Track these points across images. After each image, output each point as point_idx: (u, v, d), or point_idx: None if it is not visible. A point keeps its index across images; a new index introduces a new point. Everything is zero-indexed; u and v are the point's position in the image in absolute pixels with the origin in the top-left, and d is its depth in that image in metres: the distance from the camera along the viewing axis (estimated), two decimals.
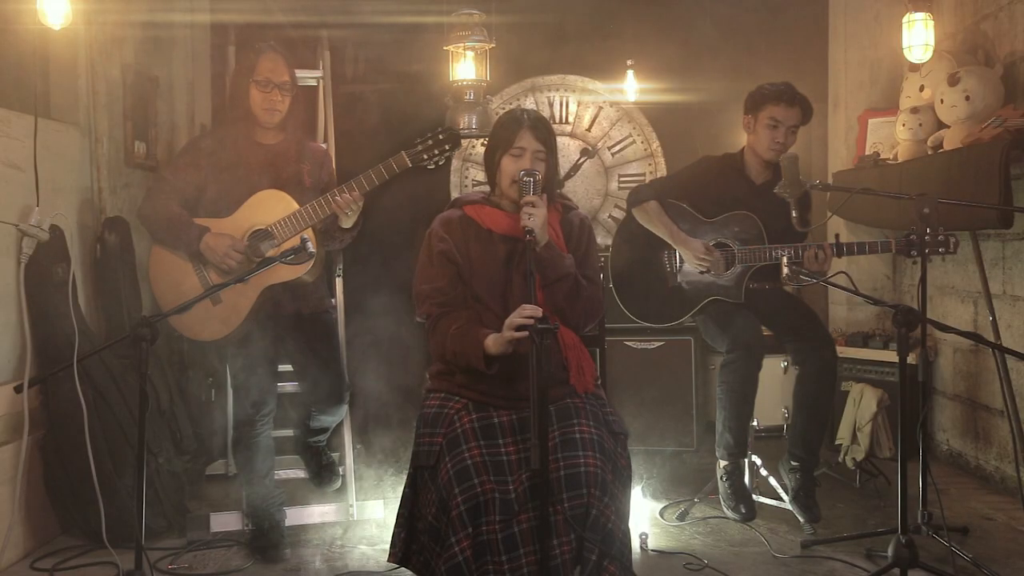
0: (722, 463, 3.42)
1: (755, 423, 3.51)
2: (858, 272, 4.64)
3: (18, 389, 2.56)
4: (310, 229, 3.09)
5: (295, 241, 2.80)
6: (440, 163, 3.09)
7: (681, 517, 3.49)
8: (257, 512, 3.25)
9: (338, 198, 3.03)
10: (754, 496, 3.48)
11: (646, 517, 3.46)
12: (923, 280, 3.03)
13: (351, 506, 3.50)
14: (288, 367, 3.42)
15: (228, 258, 3.06)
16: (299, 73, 3.42)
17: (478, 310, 2.48)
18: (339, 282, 3.67)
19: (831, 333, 4.65)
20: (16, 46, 3.31)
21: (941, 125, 3.99)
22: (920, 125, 4.12)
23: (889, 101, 4.64)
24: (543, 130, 2.53)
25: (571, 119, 4.86)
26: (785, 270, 2.98)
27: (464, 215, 2.57)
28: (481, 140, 4.33)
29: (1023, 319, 3.68)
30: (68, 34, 3.37)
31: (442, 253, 2.50)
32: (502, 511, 2.20)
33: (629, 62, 4.89)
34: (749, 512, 3.35)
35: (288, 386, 3.56)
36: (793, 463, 3.43)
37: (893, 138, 4.39)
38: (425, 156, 3.05)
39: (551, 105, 4.86)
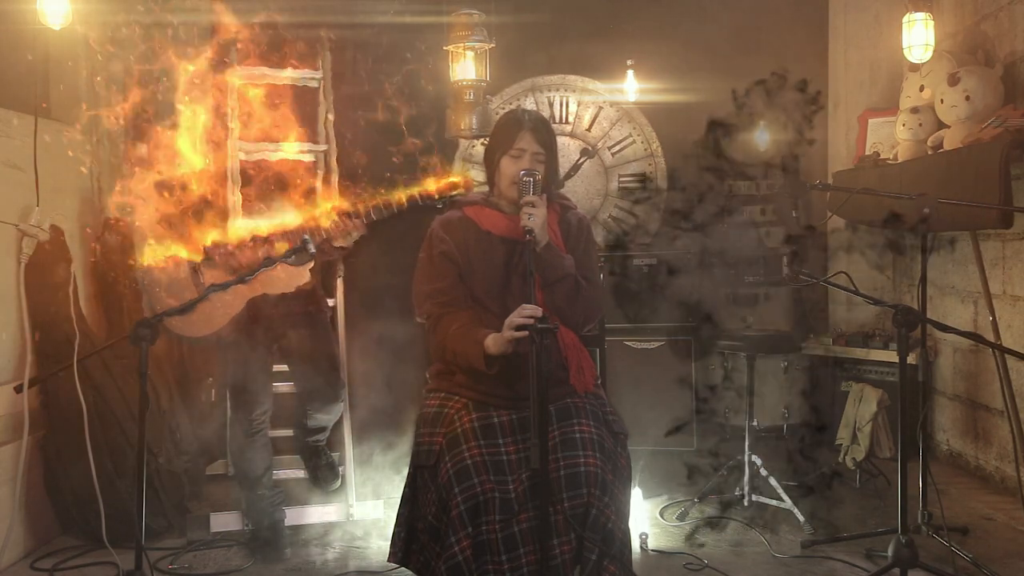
0: None
1: (755, 423, 3.51)
2: (858, 272, 4.64)
3: (18, 389, 2.56)
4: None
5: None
6: (448, 204, 3.04)
7: (681, 517, 3.49)
8: (256, 512, 3.25)
9: (339, 224, 3.01)
10: (754, 496, 3.49)
11: (646, 517, 3.46)
12: (923, 280, 3.03)
13: (351, 506, 3.50)
14: (285, 367, 3.42)
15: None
16: (299, 73, 3.42)
17: (477, 311, 2.48)
18: (339, 282, 3.67)
19: (831, 333, 4.66)
20: (16, 46, 3.31)
21: (941, 125, 3.99)
22: (920, 125, 4.12)
23: (889, 101, 4.64)
24: (543, 132, 2.53)
25: (571, 119, 4.85)
26: (785, 270, 2.97)
27: (464, 216, 2.56)
28: (481, 140, 4.33)
29: (1023, 319, 3.68)
30: (68, 34, 3.37)
31: (443, 254, 2.50)
32: (502, 511, 2.20)
33: (629, 62, 4.89)
34: None
35: (284, 386, 3.56)
36: None
37: (893, 138, 4.38)
38: (437, 195, 3.00)
39: (551, 105, 4.85)
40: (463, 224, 2.54)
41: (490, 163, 2.58)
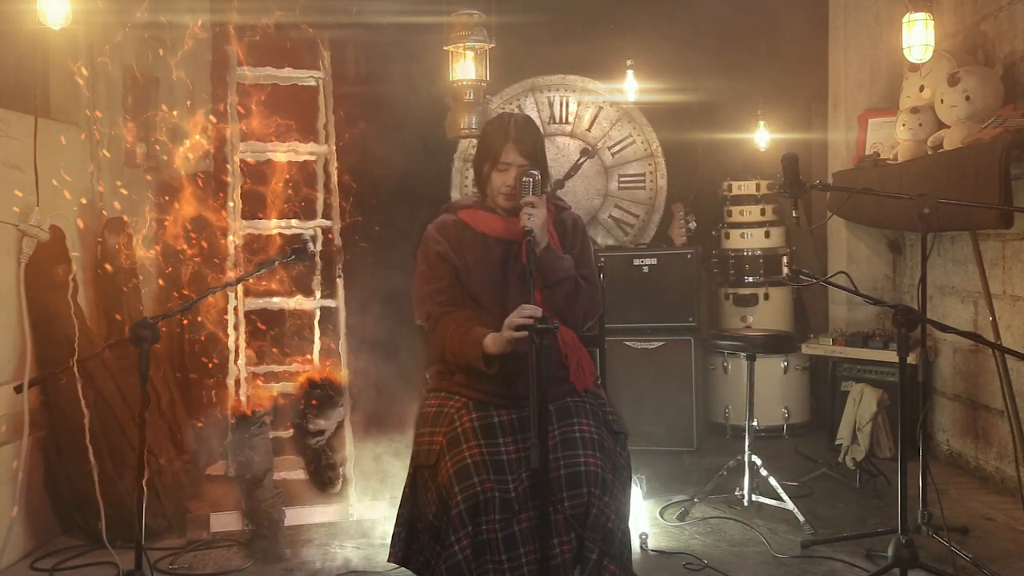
0: None
1: (755, 423, 3.51)
2: (858, 272, 4.64)
3: (18, 389, 2.56)
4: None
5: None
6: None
7: (681, 517, 3.49)
8: (256, 512, 3.25)
9: None
10: (754, 496, 3.48)
11: (646, 517, 3.46)
12: (923, 280, 3.03)
13: (351, 506, 3.50)
14: (286, 367, 3.43)
15: None
16: (299, 73, 3.42)
17: (476, 311, 2.48)
18: (339, 282, 3.67)
19: (831, 333, 4.66)
20: (16, 46, 3.31)
21: (941, 125, 3.99)
22: (920, 125, 4.12)
23: (889, 101, 4.64)
24: (527, 142, 2.49)
25: (571, 119, 4.85)
26: (785, 270, 2.98)
27: (458, 219, 2.56)
28: None
29: (1023, 319, 3.68)
30: (68, 34, 3.37)
31: (439, 255, 2.50)
32: (502, 510, 2.20)
33: (629, 62, 4.89)
34: None
35: (286, 386, 3.56)
36: None
37: (893, 138, 4.38)
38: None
39: (551, 105, 4.85)
40: (458, 227, 2.54)
41: (479, 172, 2.57)
